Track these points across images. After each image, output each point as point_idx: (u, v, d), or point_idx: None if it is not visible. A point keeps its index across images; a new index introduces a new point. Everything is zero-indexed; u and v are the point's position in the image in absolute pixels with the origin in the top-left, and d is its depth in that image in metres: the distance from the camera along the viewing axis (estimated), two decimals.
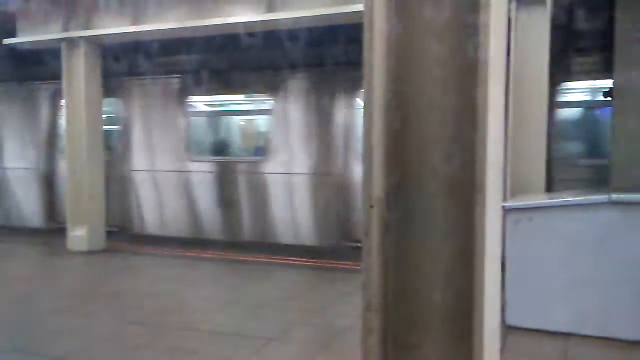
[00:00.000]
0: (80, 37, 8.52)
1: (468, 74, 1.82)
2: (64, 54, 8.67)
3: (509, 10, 5.96)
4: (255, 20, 7.40)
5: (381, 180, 1.98)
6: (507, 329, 4.61)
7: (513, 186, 6.14)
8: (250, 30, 7.76)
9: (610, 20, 7.00)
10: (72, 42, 8.62)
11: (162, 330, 4.94)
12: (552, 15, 6.34)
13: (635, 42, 6.85)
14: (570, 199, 4.71)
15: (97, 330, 4.98)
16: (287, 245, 8.99)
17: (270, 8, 7.31)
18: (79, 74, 8.63)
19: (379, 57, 1.94)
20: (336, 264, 7.67)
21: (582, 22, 7.59)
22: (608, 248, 4.43)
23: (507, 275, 4.62)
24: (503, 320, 4.55)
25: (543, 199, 4.98)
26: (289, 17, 7.15)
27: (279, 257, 8.18)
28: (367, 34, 1.96)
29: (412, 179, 1.94)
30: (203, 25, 7.66)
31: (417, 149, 1.92)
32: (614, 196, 4.42)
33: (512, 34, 6.19)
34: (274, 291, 6.41)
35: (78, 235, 8.74)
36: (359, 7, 2.01)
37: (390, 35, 1.94)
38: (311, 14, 6.99)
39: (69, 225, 8.84)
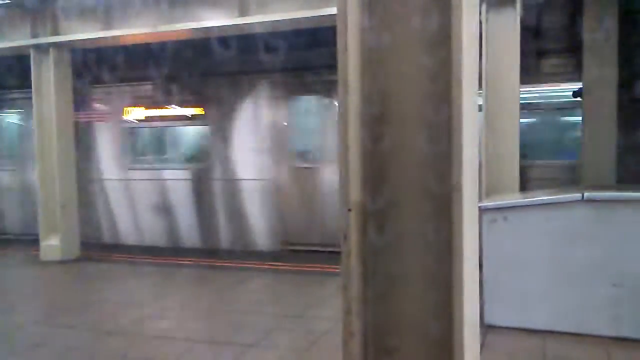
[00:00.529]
0: (50, 43, 8.39)
1: (443, 76, 1.82)
2: (33, 60, 8.51)
3: (480, 12, 6.04)
4: (228, 24, 7.38)
5: (358, 184, 1.97)
6: (486, 328, 4.64)
7: (488, 186, 6.20)
8: (223, 34, 7.74)
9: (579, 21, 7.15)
10: (41, 48, 8.48)
11: (138, 339, 4.86)
12: (521, 16, 6.43)
13: (603, 43, 7.00)
14: (544, 197, 4.77)
15: (70, 341, 4.87)
16: None
17: (243, 12, 7.30)
18: (48, 81, 8.49)
19: (354, 61, 1.94)
20: None
21: (550, 23, 7.74)
22: (582, 245, 4.50)
23: (485, 274, 4.66)
24: (481, 320, 4.58)
25: (518, 199, 5.04)
26: (261, 20, 7.17)
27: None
28: (340, 37, 1.96)
29: (389, 182, 1.94)
30: (175, 30, 7.62)
31: (393, 152, 1.92)
32: (587, 194, 4.49)
33: (483, 35, 6.26)
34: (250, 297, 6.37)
35: (51, 245, 8.59)
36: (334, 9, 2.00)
37: (364, 37, 1.93)
38: (285, 17, 7.00)
39: (41, 234, 8.68)
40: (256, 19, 7.20)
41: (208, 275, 7.62)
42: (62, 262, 8.42)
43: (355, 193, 1.97)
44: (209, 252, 9.12)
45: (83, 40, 8.30)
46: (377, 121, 1.94)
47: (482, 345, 4.19)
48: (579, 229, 4.53)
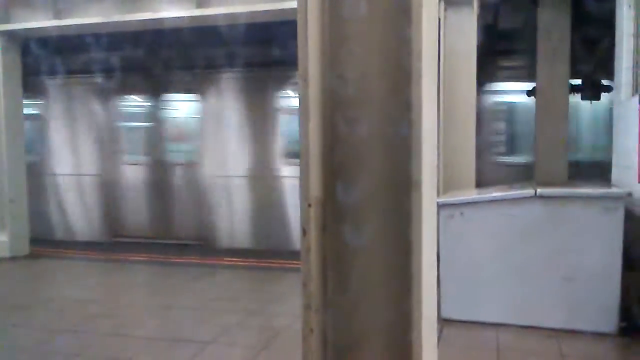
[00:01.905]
0: None
1: (403, 72, 1.83)
2: None
3: (438, 11, 6.10)
4: (184, 15, 7.24)
5: (318, 179, 1.96)
6: (443, 322, 4.72)
7: (445, 182, 6.29)
8: (180, 25, 7.59)
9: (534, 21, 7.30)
10: None
11: (92, 338, 4.73)
12: (478, 15, 6.53)
13: (557, 43, 7.18)
14: (499, 194, 4.87)
15: (20, 341, 4.71)
16: None
17: (201, 4, 7.18)
18: None
19: (314, 54, 1.92)
20: None
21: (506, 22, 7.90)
22: (535, 240, 4.62)
23: (442, 268, 4.73)
24: (438, 313, 4.64)
25: (474, 195, 5.13)
26: (219, 13, 7.06)
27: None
28: (301, 29, 1.94)
29: (350, 178, 1.93)
30: (130, 20, 7.42)
31: (354, 148, 1.91)
32: (540, 190, 4.60)
33: (441, 33, 6.33)
34: (207, 293, 6.30)
35: None
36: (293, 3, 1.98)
37: (324, 30, 1.92)
38: (244, 10, 6.91)
39: None
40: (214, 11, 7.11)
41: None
42: (11, 259, 8.14)
43: (315, 188, 1.96)
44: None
45: (33, 29, 8.01)
46: (336, 116, 1.92)
47: (438, 339, 4.26)
48: (531, 224, 4.64)
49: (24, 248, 8.50)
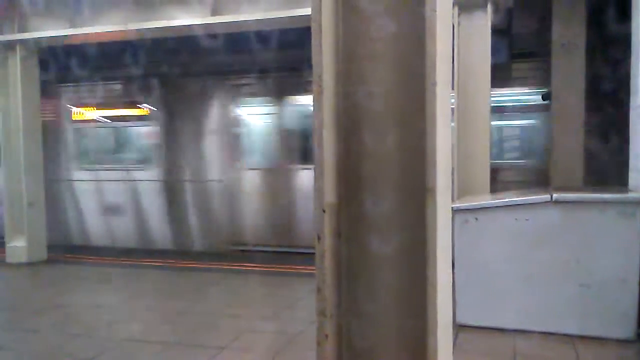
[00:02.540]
0: (17, 40, 8.19)
1: (418, 79, 1.83)
2: None
3: (452, 16, 6.09)
4: (199, 23, 7.30)
5: (333, 186, 1.97)
6: (458, 328, 4.69)
7: (459, 187, 6.27)
8: (195, 33, 7.65)
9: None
10: (7, 45, 8.27)
11: (109, 343, 4.76)
12: (492, 20, 6.51)
13: (572, 48, 7.13)
14: (514, 199, 4.83)
15: (38, 345, 4.76)
16: None
17: (215, 11, 7.24)
18: (15, 78, 8.29)
19: (328, 61, 1.93)
20: None
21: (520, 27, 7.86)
22: (551, 245, 4.57)
23: (457, 274, 4.70)
24: (453, 319, 4.61)
25: (489, 200, 5.10)
26: (234, 20, 7.11)
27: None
28: (315, 37, 1.95)
29: (364, 184, 1.94)
30: (146, 28, 7.50)
31: (369, 154, 1.92)
32: (556, 195, 4.56)
33: (455, 38, 6.32)
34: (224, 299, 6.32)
35: (17, 246, 8.39)
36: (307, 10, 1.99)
37: (338, 37, 1.93)
38: (257, 17, 6.95)
39: (7, 235, 8.48)
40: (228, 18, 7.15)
41: None
42: (29, 265, 8.24)
43: (329, 195, 1.96)
44: None
45: (51, 38, 8.13)
46: (351, 122, 1.93)
47: (453, 345, 4.23)
48: (547, 230, 4.60)
49: (42, 253, 8.60)
